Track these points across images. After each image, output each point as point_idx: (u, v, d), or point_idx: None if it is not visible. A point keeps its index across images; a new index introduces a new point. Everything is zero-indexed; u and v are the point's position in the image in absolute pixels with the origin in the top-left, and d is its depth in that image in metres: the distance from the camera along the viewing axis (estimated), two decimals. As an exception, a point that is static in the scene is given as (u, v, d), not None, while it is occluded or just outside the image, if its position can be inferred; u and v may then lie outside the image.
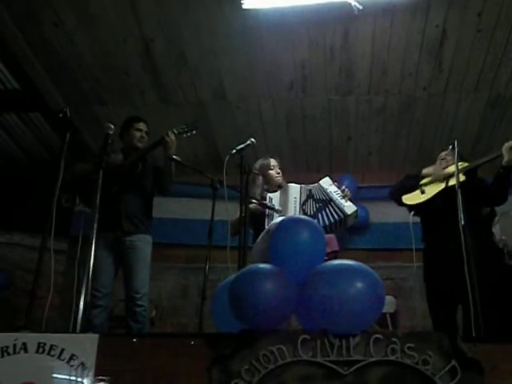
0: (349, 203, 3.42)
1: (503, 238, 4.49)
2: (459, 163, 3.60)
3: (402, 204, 3.98)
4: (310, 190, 3.55)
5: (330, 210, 3.44)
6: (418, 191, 3.85)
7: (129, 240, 3.83)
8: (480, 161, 3.66)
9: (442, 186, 3.69)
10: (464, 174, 3.59)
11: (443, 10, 4.53)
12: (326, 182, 3.55)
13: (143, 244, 3.89)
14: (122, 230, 3.82)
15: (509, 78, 5.03)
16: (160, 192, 4.12)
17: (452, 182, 3.54)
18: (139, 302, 3.72)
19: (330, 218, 3.42)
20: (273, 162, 3.88)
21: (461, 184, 3.31)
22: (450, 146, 3.72)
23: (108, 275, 3.79)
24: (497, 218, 4.82)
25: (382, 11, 4.57)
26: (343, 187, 3.54)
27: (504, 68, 4.92)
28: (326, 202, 3.47)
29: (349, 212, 3.39)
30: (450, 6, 4.48)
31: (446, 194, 3.53)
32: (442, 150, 3.98)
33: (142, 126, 4.08)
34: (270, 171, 3.83)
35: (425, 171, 3.88)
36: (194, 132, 3.96)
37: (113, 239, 3.78)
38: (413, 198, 3.86)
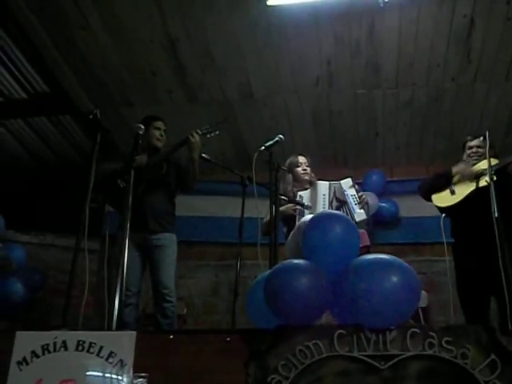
0: (361, 211, 3.50)
1: None
2: (493, 162, 3.56)
3: (431, 201, 3.94)
4: (334, 188, 3.61)
5: (343, 211, 3.51)
6: (447, 191, 3.79)
7: (155, 239, 3.89)
8: (509, 159, 3.56)
9: (473, 186, 3.60)
10: (494, 174, 3.52)
11: None
12: (347, 184, 3.62)
13: (169, 242, 3.95)
14: (148, 229, 3.88)
15: (540, 66, 4.92)
16: (183, 191, 4.17)
17: (482, 182, 3.48)
18: (168, 298, 3.78)
19: None
20: (301, 159, 3.92)
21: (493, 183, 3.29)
22: (482, 138, 3.69)
23: (136, 274, 3.85)
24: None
25: (409, 2, 4.52)
26: (361, 193, 3.61)
27: (535, 56, 4.82)
28: (343, 202, 3.55)
29: (357, 219, 3.47)
30: (478, -6, 4.41)
31: (477, 195, 3.46)
32: (472, 138, 3.90)
33: (160, 124, 4.10)
34: (297, 168, 3.89)
35: (454, 170, 3.78)
36: (217, 132, 3.98)
37: (140, 239, 3.81)
38: (443, 200, 3.80)
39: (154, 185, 3.98)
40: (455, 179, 3.76)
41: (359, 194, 3.57)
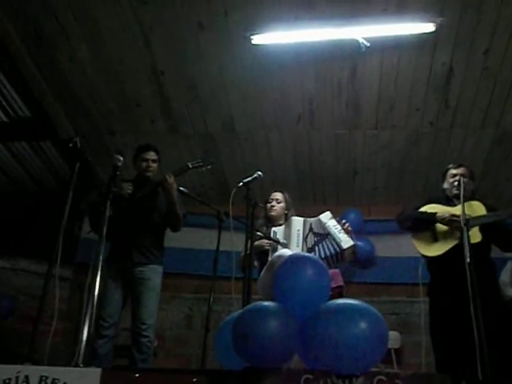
0: (347, 238, 3.47)
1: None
2: (474, 207, 3.61)
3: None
4: (311, 224, 3.60)
5: (327, 243, 3.49)
6: (429, 235, 3.78)
7: (139, 270, 3.84)
8: (496, 216, 3.58)
9: (456, 240, 3.52)
10: (480, 230, 3.55)
11: (450, 48, 4.59)
12: (326, 217, 3.60)
13: (153, 274, 3.89)
14: (131, 260, 3.83)
15: (515, 116, 5.06)
16: (171, 230, 4.12)
17: (473, 237, 3.35)
18: (145, 333, 3.72)
19: (327, 250, 3.47)
20: (273, 194, 3.95)
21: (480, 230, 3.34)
22: (456, 183, 3.74)
23: (116, 305, 3.78)
24: (509, 263, 4.82)
25: (390, 48, 4.65)
26: (344, 221, 3.58)
27: (510, 106, 4.96)
28: (324, 235, 3.52)
29: (345, 246, 3.44)
30: (456, 44, 4.55)
31: (461, 249, 3.26)
32: (455, 166, 3.88)
33: (149, 155, 4.05)
34: (267, 204, 3.89)
35: (439, 215, 3.69)
36: (209, 167, 4.00)
37: (122, 269, 3.79)
38: (427, 248, 3.76)
39: (140, 216, 3.95)
40: (439, 226, 3.72)
41: (342, 223, 3.55)
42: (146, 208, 3.96)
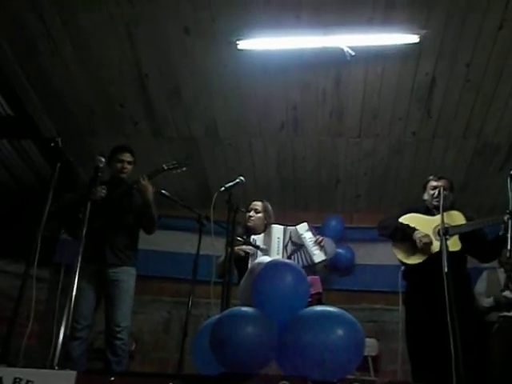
0: (319, 252, 3.56)
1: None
2: (453, 217, 3.66)
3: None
4: (290, 232, 3.66)
5: (301, 254, 3.58)
6: (409, 242, 3.82)
7: (112, 272, 3.82)
8: (475, 225, 3.64)
9: (437, 247, 3.54)
10: (460, 239, 3.61)
11: (433, 59, 4.65)
12: (303, 228, 3.67)
13: (127, 276, 3.88)
14: (105, 262, 3.82)
15: (496, 128, 5.13)
16: (145, 232, 4.11)
17: (452, 246, 3.43)
18: (119, 336, 3.69)
19: (300, 261, 3.56)
20: (253, 204, 3.95)
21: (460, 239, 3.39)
22: (436, 194, 3.79)
23: (89, 307, 3.75)
24: (485, 273, 4.88)
25: (374, 57, 4.69)
26: (318, 236, 3.65)
27: (491, 118, 5.03)
28: (299, 246, 3.60)
29: (316, 260, 3.55)
30: (439, 56, 4.60)
31: (439, 258, 3.28)
32: (436, 178, 3.94)
33: (124, 156, 4.03)
34: (247, 212, 3.90)
35: (415, 236, 3.74)
36: (185, 169, 4.00)
37: (95, 271, 3.76)
38: (405, 255, 3.83)
39: (114, 218, 3.94)
40: (420, 237, 3.73)
41: (316, 237, 3.61)
42: (120, 209, 3.95)
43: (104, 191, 3.82)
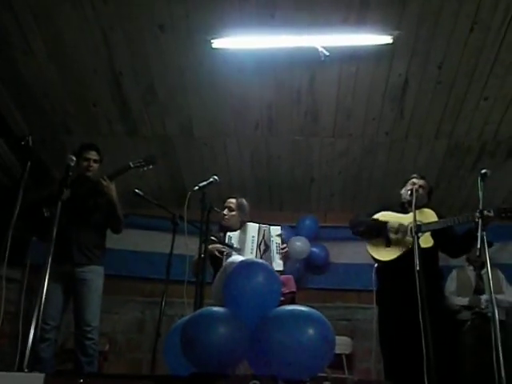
0: (279, 261, 3.60)
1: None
2: (426, 214, 3.72)
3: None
4: (264, 231, 3.68)
5: (266, 256, 3.59)
6: (382, 241, 3.88)
7: (80, 271, 3.81)
8: (446, 223, 3.70)
9: (409, 244, 3.62)
10: (432, 235, 3.67)
11: (406, 60, 4.69)
12: (276, 231, 3.70)
13: (95, 276, 3.87)
14: (72, 261, 3.79)
15: (467, 129, 5.21)
16: (112, 232, 4.09)
17: (423, 242, 3.53)
18: (89, 335, 3.68)
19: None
20: (227, 201, 3.95)
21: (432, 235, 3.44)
22: (409, 192, 3.85)
23: (56, 307, 3.73)
24: (454, 272, 4.97)
25: (348, 58, 4.71)
26: (285, 245, 3.70)
27: (462, 119, 5.10)
28: (267, 247, 3.63)
29: (275, 269, 3.54)
30: (412, 57, 4.65)
31: (412, 256, 3.37)
32: (418, 177, 4.02)
33: (90, 154, 4.02)
34: (223, 210, 3.90)
35: (389, 225, 3.84)
36: (151, 167, 3.99)
37: (63, 271, 3.71)
38: (379, 253, 3.89)
39: (81, 217, 3.91)
40: (390, 234, 3.83)
41: (282, 246, 3.65)
42: (86, 208, 3.93)
43: (68, 193, 3.78)
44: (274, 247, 3.60)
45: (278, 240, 3.63)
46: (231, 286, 2.18)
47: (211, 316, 2.06)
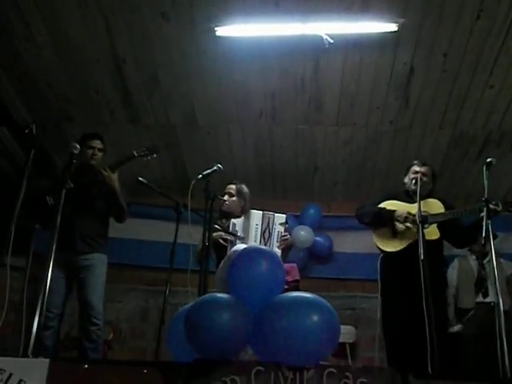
0: (277, 250, 3.54)
1: None
2: (431, 205, 3.70)
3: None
4: (269, 218, 3.64)
5: (268, 244, 3.57)
6: (389, 231, 3.86)
7: (83, 259, 3.82)
8: (452, 214, 3.70)
9: (414, 237, 3.55)
10: (438, 227, 3.66)
11: (411, 49, 4.65)
12: (280, 219, 3.66)
13: (98, 262, 3.89)
14: (75, 250, 3.80)
15: (471, 118, 5.18)
16: (116, 221, 4.10)
17: (429, 234, 3.54)
18: (94, 320, 3.69)
19: None
20: (227, 187, 3.95)
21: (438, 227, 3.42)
22: (413, 181, 3.83)
23: (59, 296, 3.74)
24: (456, 260, 4.96)
25: (353, 46, 4.67)
26: (286, 234, 3.66)
27: (467, 108, 5.07)
28: (269, 236, 3.59)
29: None
30: (417, 45, 4.61)
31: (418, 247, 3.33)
32: (419, 164, 4.00)
33: (94, 143, 4.04)
34: (223, 196, 3.89)
35: (396, 213, 3.83)
36: (155, 156, 4.00)
37: (66, 259, 3.71)
38: (385, 243, 3.89)
39: (84, 205, 3.91)
40: (398, 224, 3.82)
41: (284, 234, 3.62)
42: (89, 196, 3.94)
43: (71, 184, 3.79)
44: (274, 235, 3.58)
45: (281, 228, 3.61)
46: (235, 273, 2.18)
47: (215, 302, 2.06)
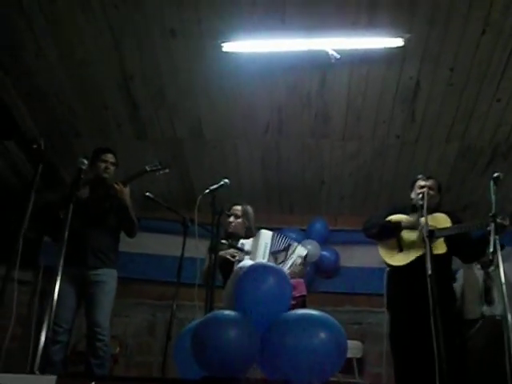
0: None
1: None
2: (438, 219, 3.68)
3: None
4: (290, 245, 3.67)
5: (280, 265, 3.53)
6: (395, 245, 3.84)
7: (93, 274, 3.82)
8: (460, 229, 3.66)
9: (421, 251, 3.55)
10: (445, 241, 3.64)
11: (417, 63, 4.67)
12: (301, 251, 3.69)
13: (108, 278, 3.88)
14: (86, 264, 3.80)
15: (479, 131, 5.17)
16: (127, 235, 4.11)
17: (437, 249, 3.51)
18: (100, 337, 3.68)
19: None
20: (233, 208, 3.96)
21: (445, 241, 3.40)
22: (420, 196, 3.81)
23: (69, 310, 3.74)
24: (461, 271, 4.92)
25: (359, 60, 4.69)
26: (301, 267, 3.69)
27: (474, 121, 5.06)
28: (285, 260, 3.60)
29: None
30: (423, 60, 4.62)
31: (424, 261, 3.30)
32: (424, 178, 3.96)
33: (107, 157, 4.07)
34: (228, 218, 3.91)
35: (404, 223, 3.83)
36: (167, 171, 4.02)
37: (76, 273, 3.73)
38: (390, 256, 3.86)
39: (96, 219, 3.93)
40: (405, 236, 3.81)
41: (298, 265, 3.63)
42: (101, 210, 3.95)
43: (87, 192, 3.82)
44: (289, 262, 3.58)
45: (298, 260, 3.62)
46: (242, 290, 2.18)
47: (222, 319, 2.05)
